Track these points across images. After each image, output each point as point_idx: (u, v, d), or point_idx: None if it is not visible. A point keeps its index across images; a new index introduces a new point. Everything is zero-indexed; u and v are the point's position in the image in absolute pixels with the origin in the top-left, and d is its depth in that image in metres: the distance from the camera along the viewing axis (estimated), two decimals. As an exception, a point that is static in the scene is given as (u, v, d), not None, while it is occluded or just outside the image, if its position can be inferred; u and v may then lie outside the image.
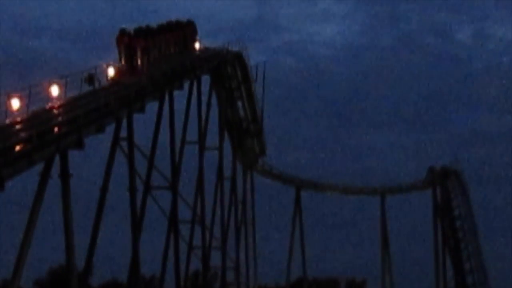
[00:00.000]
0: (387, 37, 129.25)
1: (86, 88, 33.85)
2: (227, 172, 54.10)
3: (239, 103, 53.92)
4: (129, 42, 38.34)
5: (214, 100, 50.10)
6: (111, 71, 36.39)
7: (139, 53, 38.40)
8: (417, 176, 68.69)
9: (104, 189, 33.21)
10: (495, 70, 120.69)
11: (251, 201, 61.54)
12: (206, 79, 48.12)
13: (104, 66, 36.39)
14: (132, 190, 36.06)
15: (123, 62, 38.23)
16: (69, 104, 31.45)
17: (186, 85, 44.04)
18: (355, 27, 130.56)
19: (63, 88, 31.70)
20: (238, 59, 50.76)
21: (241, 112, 54.59)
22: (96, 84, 34.61)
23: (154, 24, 41.53)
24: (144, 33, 39.55)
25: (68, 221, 28.48)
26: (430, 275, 66.61)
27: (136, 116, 36.11)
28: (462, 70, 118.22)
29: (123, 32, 38.65)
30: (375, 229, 69.58)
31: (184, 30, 43.97)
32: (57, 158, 28.06)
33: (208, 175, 48.91)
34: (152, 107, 38.98)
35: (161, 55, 41.12)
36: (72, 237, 28.58)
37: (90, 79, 34.08)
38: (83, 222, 32.37)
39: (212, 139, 50.27)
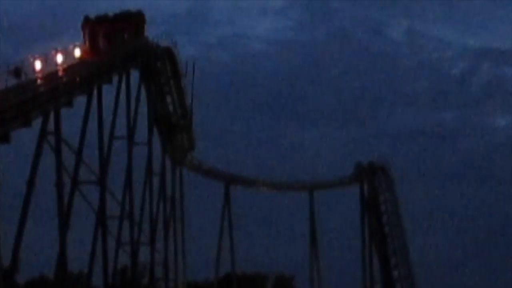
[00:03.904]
0: (321, 33, 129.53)
1: (13, 81, 33.36)
2: (156, 168, 53.90)
3: (169, 98, 53.75)
4: (92, 27, 43.94)
5: (143, 95, 49.91)
6: (38, 64, 35.97)
7: (101, 37, 44.04)
8: (345, 172, 69.49)
9: (30, 184, 32.82)
10: (425, 67, 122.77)
11: (180, 196, 61.42)
12: (135, 74, 47.95)
13: (31, 59, 35.92)
14: (60, 185, 35.69)
15: (87, 44, 43.51)
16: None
17: (115, 80, 43.84)
18: (289, 22, 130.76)
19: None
20: (168, 54, 50.59)
21: (171, 107, 54.42)
22: (23, 77, 34.14)
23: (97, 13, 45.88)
24: (104, 20, 44.99)
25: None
26: (358, 269, 67.51)
27: (64, 110, 35.73)
28: (392, 67, 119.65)
29: (87, 19, 44.57)
30: (304, 224, 70.22)
31: (135, 20, 47.37)
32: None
33: (137, 170, 48.68)
34: (81, 101, 38.73)
35: (119, 40, 45.53)
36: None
37: (17, 72, 33.62)
38: (8, 217, 31.88)
39: (141, 134, 50.01)
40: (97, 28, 44.23)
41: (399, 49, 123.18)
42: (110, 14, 45.98)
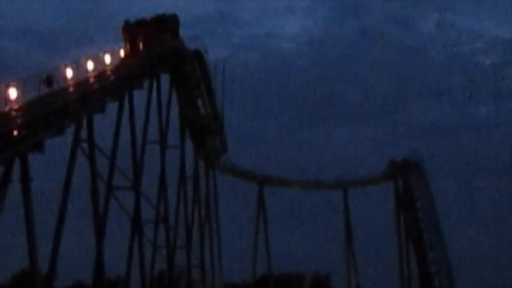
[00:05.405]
0: (350, 29, 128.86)
1: (45, 89, 33.53)
2: (189, 171, 53.96)
3: (200, 101, 53.78)
4: (132, 31, 46.03)
5: (174, 99, 50.00)
6: (69, 72, 36.16)
7: (140, 40, 46.08)
8: (378, 169, 69.10)
9: (65, 192, 32.96)
10: (456, 60, 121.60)
11: (214, 199, 61.46)
12: (165, 78, 48.08)
13: (63, 67, 36.12)
14: (94, 191, 35.83)
15: (128, 47, 45.60)
16: (27, 107, 31.11)
17: (146, 85, 43.99)
18: (318, 20, 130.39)
19: (22, 90, 31.36)
20: (197, 56, 50.63)
21: (202, 110, 54.45)
22: (55, 86, 34.33)
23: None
24: (143, 23, 46.98)
25: (30, 225, 28.20)
26: (394, 266, 67.12)
27: (96, 117, 35.90)
28: (424, 61, 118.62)
29: (127, 23, 46.87)
30: (339, 222, 69.96)
31: (171, 23, 48.56)
32: (17, 162, 27.78)
33: (170, 174, 48.78)
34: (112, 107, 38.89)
35: (157, 43, 46.91)
36: (34, 241, 28.31)
37: (49, 81, 33.80)
38: (45, 225, 32.07)
39: (173, 138, 50.12)
40: (136, 32, 46.17)
41: (430, 42, 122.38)
42: (148, 18, 47.67)
